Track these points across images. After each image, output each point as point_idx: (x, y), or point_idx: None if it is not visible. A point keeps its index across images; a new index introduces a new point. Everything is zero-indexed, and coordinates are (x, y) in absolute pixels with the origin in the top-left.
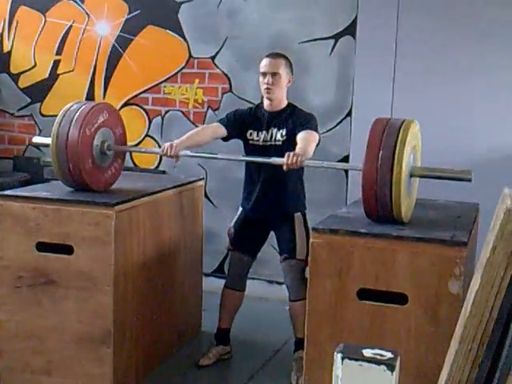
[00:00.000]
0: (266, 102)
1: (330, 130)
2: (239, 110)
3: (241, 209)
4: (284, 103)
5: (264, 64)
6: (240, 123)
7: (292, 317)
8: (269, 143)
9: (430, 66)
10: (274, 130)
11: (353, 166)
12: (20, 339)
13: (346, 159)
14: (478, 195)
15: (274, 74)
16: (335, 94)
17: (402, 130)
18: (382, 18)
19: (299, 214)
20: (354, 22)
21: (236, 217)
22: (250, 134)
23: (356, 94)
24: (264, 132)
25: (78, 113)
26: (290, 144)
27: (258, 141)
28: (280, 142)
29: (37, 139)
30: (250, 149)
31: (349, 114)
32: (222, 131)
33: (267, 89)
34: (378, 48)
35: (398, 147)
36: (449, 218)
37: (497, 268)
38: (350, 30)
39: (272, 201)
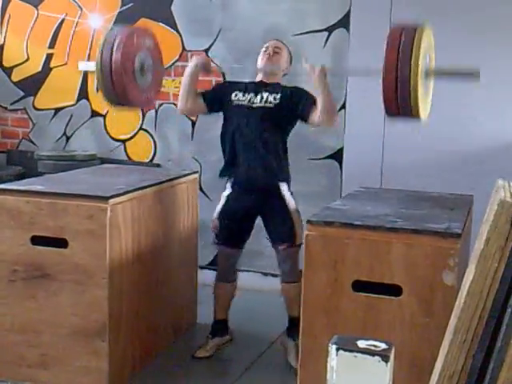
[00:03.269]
0: (259, 76)
1: None
2: (221, 83)
3: (226, 193)
4: (278, 81)
5: (268, 42)
6: (222, 93)
7: (286, 297)
8: (257, 105)
9: None
10: (265, 94)
11: (374, 71)
12: (15, 333)
13: (340, 152)
14: (472, 187)
15: (277, 49)
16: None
17: (416, 35)
18: (375, 11)
19: (285, 184)
20: (348, 15)
21: (220, 205)
22: (236, 95)
23: (350, 87)
24: (251, 94)
25: (118, 38)
26: (282, 109)
27: (243, 101)
28: (272, 105)
29: (82, 66)
30: (234, 110)
31: (343, 106)
32: (203, 108)
33: (267, 58)
34: (372, 41)
35: (414, 50)
36: (443, 210)
37: (490, 259)
38: (344, 22)
39: (257, 165)
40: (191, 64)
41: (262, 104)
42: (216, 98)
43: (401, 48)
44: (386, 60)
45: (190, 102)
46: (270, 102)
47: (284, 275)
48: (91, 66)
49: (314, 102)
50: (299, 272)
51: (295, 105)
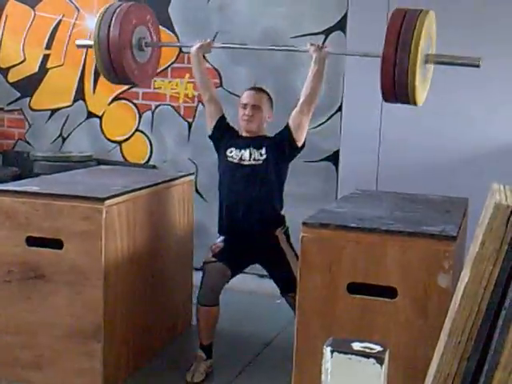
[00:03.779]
0: (242, 132)
1: (321, 124)
2: (228, 124)
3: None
4: (262, 133)
5: (245, 96)
6: (226, 132)
7: None
8: (247, 163)
9: None
10: (253, 150)
11: (372, 53)
12: (10, 334)
13: (336, 154)
14: (468, 190)
15: (255, 107)
16: (325, 90)
17: (419, 19)
18: (372, 13)
19: (281, 231)
20: (345, 18)
21: (223, 237)
22: (230, 152)
23: (346, 90)
24: (242, 150)
25: (115, 14)
26: (271, 162)
27: (235, 158)
28: (260, 161)
29: (80, 41)
30: (227, 166)
31: (339, 109)
32: (220, 111)
33: (247, 120)
34: (368, 43)
35: (415, 34)
36: (438, 213)
37: (486, 262)
38: (341, 25)
39: (252, 221)
40: (192, 54)
41: (252, 162)
42: (223, 130)
43: (402, 31)
44: (385, 43)
45: (211, 88)
46: (258, 159)
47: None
48: (89, 41)
49: (287, 125)
50: None
51: (282, 146)
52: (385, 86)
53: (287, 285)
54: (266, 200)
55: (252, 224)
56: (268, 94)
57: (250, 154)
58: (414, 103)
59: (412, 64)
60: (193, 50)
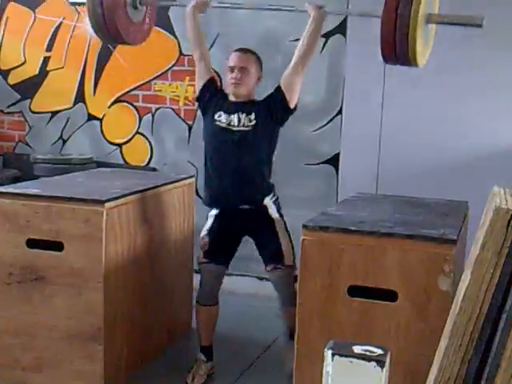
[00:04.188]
0: (230, 97)
1: (321, 127)
2: (217, 87)
3: (213, 213)
4: (252, 98)
5: (232, 58)
6: (214, 95)
7: (288, 320)
8: (236, 128)
9: None
10: (242, 116)
11: (373, 13)
12: (10, 336)
13: (336, 157)
14: (468, 193)
15: (243, 69)
16: (326, 93)
17: None
18: (372, 17)
19: (271, 200)
20: (345, 21)
21: (209, 224)
22: (219, 116)
23: (346, 93)
24: (231, 115)
25: None
26: (259, 129)
27: (224, 123)
28: (249, 128)
29: None
30: (215, 131)
31: (339, 112)
32: (209, 72)
33: (235, 84)
34: (369, 46)
35: None
36: (438, 216)
37: (486, 265)
38: (341, 28)
39: (240, 189)
40: (187, 12)
41: (241, 127)
42: (208, 98)
43: None
44: (386, 1)
45: (203, 47)
46: (247, 125)
47: (281, 298)
48: None
49: (279, 86)
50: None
51: (274, 109)
52: (385, 44)
53: (274, 255)
54: (255, 167)
55: (239, 191)
56: (257, 55)
57: (239, 120)
58: (415, 63)
59: (413, 20)
60: (188, 8)
